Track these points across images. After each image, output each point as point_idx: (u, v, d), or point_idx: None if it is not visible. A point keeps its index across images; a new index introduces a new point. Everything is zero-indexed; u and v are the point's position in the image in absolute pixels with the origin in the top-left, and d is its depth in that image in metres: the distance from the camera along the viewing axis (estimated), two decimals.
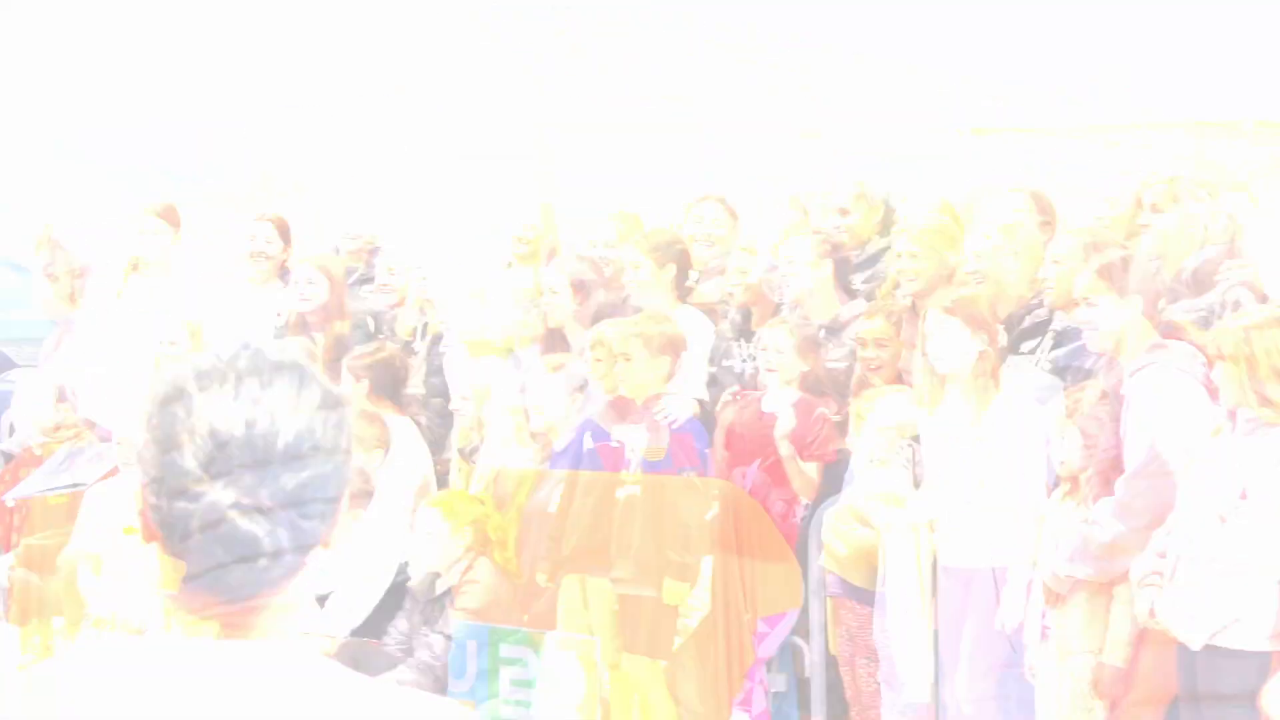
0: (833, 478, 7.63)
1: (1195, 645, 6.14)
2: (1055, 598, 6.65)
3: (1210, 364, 6.26)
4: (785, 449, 7.53)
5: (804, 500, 7.61)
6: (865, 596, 7.20)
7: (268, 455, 2.24)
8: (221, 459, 2.24)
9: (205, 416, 2.25)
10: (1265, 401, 6.06)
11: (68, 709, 2.25)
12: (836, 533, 7.26)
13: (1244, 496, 6.07)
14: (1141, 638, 6.51)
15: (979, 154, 9.61)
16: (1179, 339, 6.61)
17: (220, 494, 2.22)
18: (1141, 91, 9.10)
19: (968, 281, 7.45)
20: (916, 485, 7.21)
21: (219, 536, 2.22)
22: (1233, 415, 6.16)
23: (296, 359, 2.35)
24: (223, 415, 2.25)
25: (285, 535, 2.23)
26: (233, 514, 2.22)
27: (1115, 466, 6.58)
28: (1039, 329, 7.28)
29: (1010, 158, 9.52)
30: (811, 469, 7.56)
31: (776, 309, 8.09)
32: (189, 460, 2.24)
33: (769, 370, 7.59)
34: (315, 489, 2.27)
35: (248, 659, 2.25)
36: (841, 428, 7.60)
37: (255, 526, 2.22)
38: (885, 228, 8.47)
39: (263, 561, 2.22)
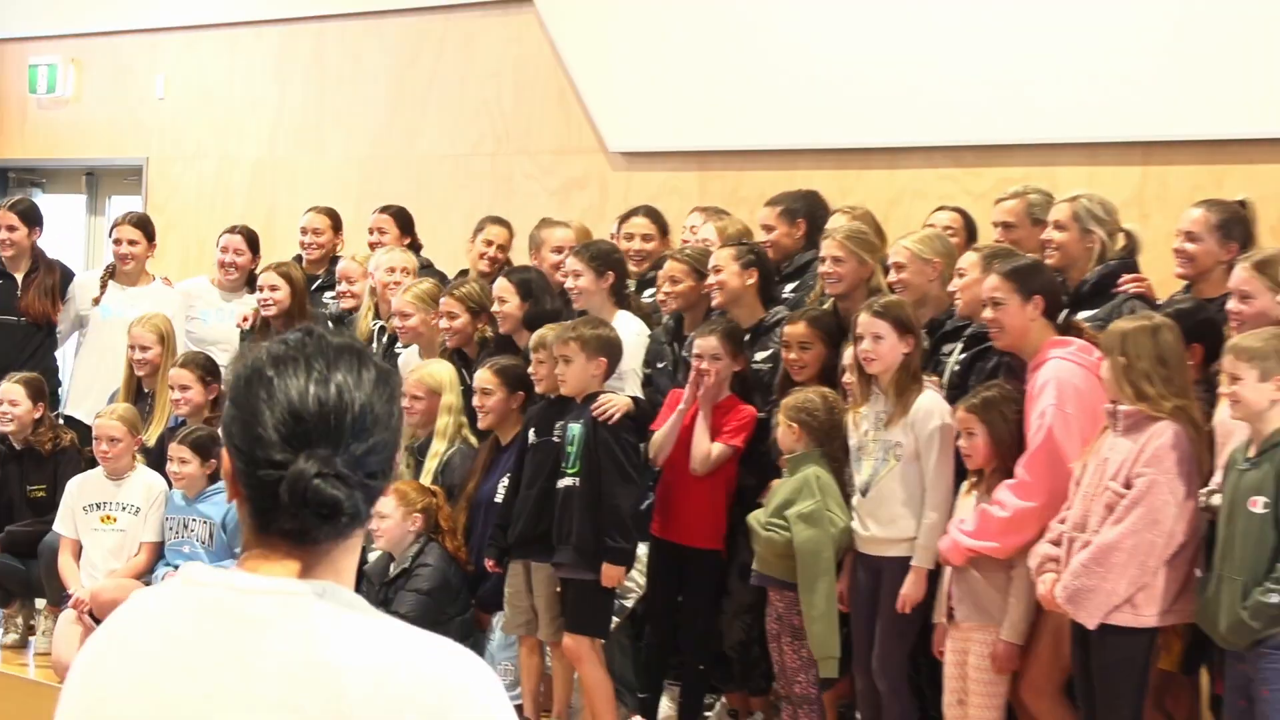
0: (757, 472, 7.74)
1: (1091, 625, 6.27)
2: (959, 570, 6.75)
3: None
4: (706, 408, 7.67)
5: (695, 470, 7.69)
6: (789, 583, 7.28)
7: (339, 428, 2.42)
8: (300, 433, 2.42)
9: (283, 396, 2.43)
10: (1141, 396, 6.19)
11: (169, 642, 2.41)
12: (757, 531, 7.34)
13: (1128, 486, 6.18)
14: (1040, 617, 6.64)
15: (898, 169, 9.72)
16: (1078, 338, 6.76)
17: (304, 465, 2.39)
18: (1038, 112, 9.16)
19: (891, 289, 7.53)
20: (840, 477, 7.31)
21: (306, 501, 2.38)
22: (1114, 410, 6.28)
23: (353, 343, 2.55)
24: (299, 394, 2.43)
25: (360, 496, 2.42)
26: (317, 482, 2.38)
27: (1019, 460, 6.73)
28: (958, 334, 7.38)
29: (920, 175, 9.64)
30: (716, 447, 7.65)
31: (707, 314, 8.17)
32: (272, 434, 2.41)
33: (703, 377, 7.66)
34: (378, 454, 2.45)
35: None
36: (764, 426, 7.70)
37: (337, 492, 2.39)
38: (812, 242, 8.53)
39: (344, 519, 2.41)
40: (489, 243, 9.72)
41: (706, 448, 7.70)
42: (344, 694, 2.30)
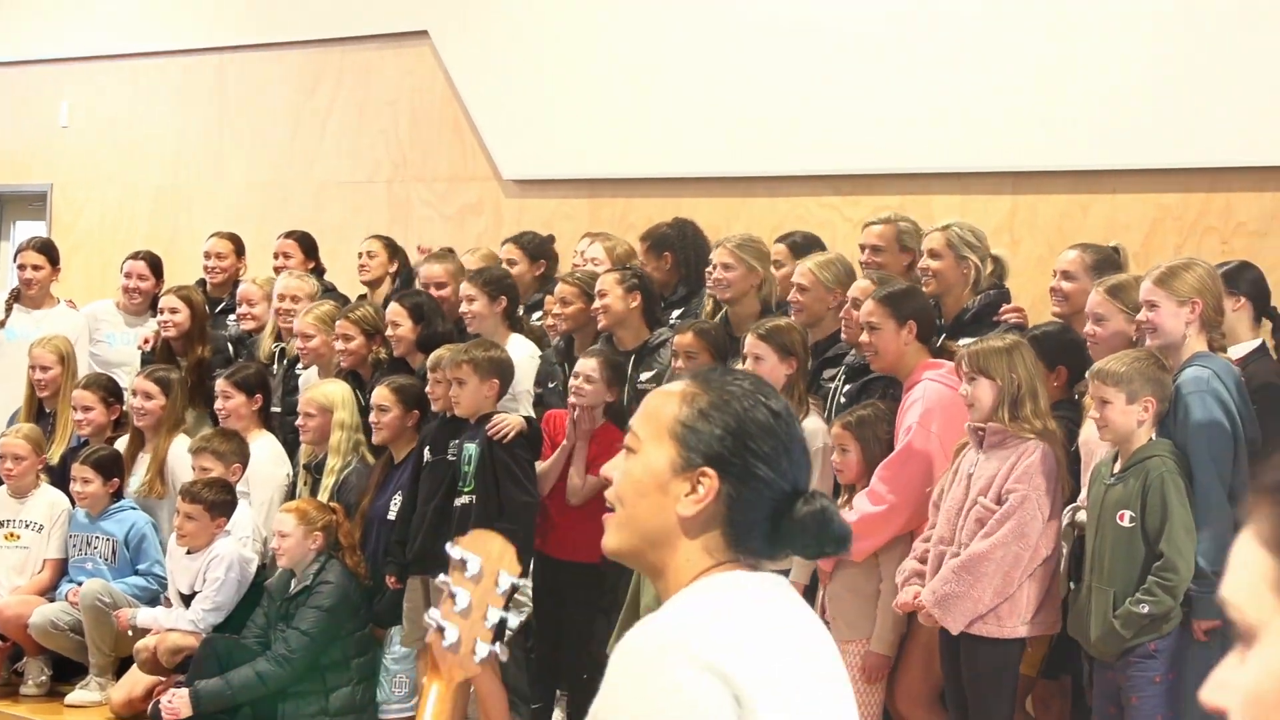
0: None
1: (955, 630, 6.29)
2: (830, 585, 6.77)
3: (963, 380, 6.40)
4: (582, 443, 7.69)
5: (571, 501, 7.68)
6: None
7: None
8: (807, 466, 2.60)
9: (796, 431, 2.59)
10: (1014, 417, 6.21)
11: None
12: None
13: (999, 501, 6.21)
14: (911, 630, 6.66)
15: (779, 196, 9.74)
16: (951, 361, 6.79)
17: (825, 501, 2.55)
18: (914, 143, 9.20)
19: (786, 312, 7.56)
20: None
21: (829, 532, 2.52)
22: (979, 430, 6.30)
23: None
24: (799, 430, 2.61)
25: None
26: (832, 511, 2.52)
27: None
28: (840, 359, 7.39)
29: (802, 202, 9.67)
30: (590, 480, 7.61)
31: (596, 336, 8.17)
32: (799, 467, 2.56)
33: (577, 397, 7.63)
34: None
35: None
36: None
37: (844, 520, 2.56)
38: (688, 271, 8.55)
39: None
40: (369, 254, 9.76)
41: (580, 481, 7.67)
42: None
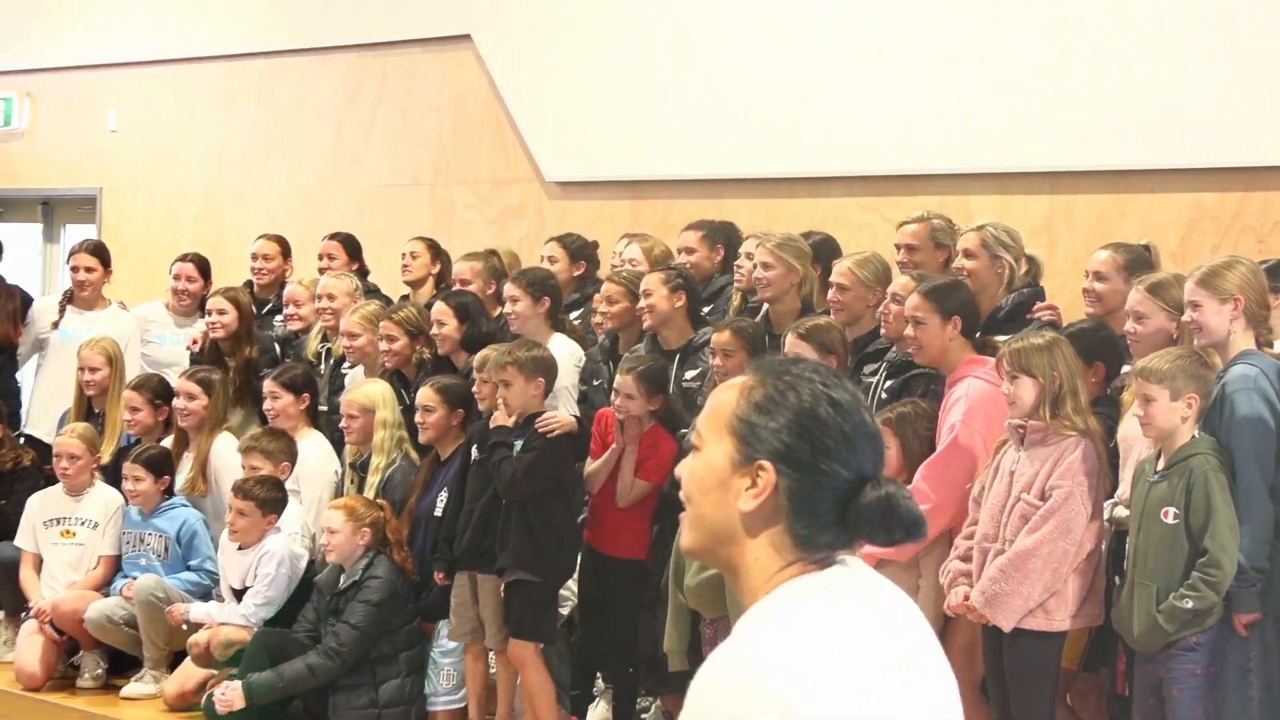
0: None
1: (1007, 628, 6.28)
2: None
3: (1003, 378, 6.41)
4: (631, 447, 7.69)
5: (619, 504, 7.72)
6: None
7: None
8: (882, 456, 2.51)
9: (868, 420, 2.49)
10: (1055, 414, 6.22)
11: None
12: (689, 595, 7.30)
13: (1042, 497, 6.21)
14: (952, 623, 6.63)
15: (820, 198, 9.75)
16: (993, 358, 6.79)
17: (894, 488, 2.45)
18: (952, 144, 9.20)
19: (827, 308, 7.58)
20: None
21: (904, 520, 2.44)
22: (1020, 427, 6.31)
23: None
24: (871, 421, 2.51)
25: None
26: (909, 503, 2.45)
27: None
28: (880, 354, 7.39)
29: (841, 203, 9.67)
30: (639, 484, 7.65)
31: (640, 335, 8.19)
32: (867, 459, 2.46)
33: (619, 413, 7.64)
34: None
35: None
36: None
37: (918, 509, 2.48)
38: (727, 266, 8.60)
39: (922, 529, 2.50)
40: (411, 255, 9.82)
41: (629, 483, 7.70)
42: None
